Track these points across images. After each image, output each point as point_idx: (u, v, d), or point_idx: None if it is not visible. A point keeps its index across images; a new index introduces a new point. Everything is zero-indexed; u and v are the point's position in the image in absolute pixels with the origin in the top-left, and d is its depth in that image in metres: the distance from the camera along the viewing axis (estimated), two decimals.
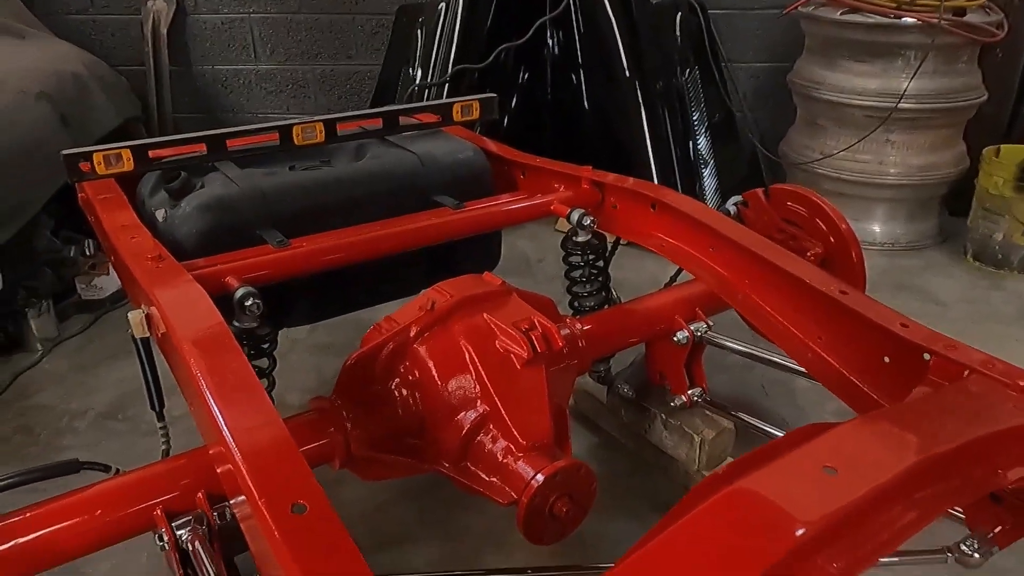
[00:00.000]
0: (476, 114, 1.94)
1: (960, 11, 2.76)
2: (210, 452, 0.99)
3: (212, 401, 0.93)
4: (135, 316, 1.21)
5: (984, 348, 1.10)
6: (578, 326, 1.51)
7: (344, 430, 1.28)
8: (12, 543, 1.06)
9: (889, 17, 2.77)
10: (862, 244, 1.76)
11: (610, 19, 3.08)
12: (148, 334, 1.22)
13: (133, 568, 1.57)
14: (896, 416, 0.98)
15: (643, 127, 3.09)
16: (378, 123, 1.84)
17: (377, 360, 1.31)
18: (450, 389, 1.27)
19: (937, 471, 0.85)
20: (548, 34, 3.37)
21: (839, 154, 3.02)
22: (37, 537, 1.08)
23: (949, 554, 1.12)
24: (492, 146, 1.94)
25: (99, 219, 1.55)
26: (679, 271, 1.80)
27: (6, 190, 2.34)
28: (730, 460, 1.77)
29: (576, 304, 1.77)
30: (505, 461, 1.22)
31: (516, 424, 1.23)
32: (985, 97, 2.98)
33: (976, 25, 2.78)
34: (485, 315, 1.32)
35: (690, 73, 3.23)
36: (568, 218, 1.65)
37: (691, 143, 3.22)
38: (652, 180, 2.98)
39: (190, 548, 1.08)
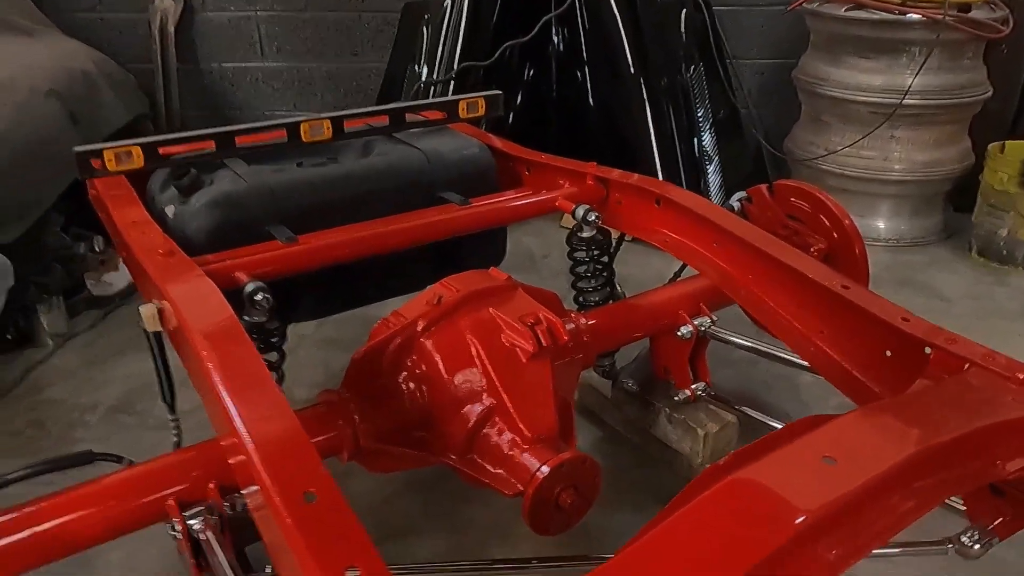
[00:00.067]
0: (482, 111, 1.95)
1: (965, 7, 2.76)
2: (222, 443, 1.01)
3: (224, 393, 0.95)
4: (147, 310, 1.23)
5: (988, 344, 1.11)
6: (583, 321, 1.53)
7: (352, 423, 1.30)
8: (29, 532, 1.08)
9: (894, 13, 2.77)
10: (866, 240, 1.77)
11: (615, 16, 3.09)
12: (160, 328, 1.24)
13: (144, 559, 1.59)
14: (896, 408, 1.00)
15: (648, 124, 3.11)
16: (385, 120, 1.86)
17: (385, 354, 1.32)
18: (457, 382, 1.29)
19: (936, 461, 0.87)
20: (553, 31, 3.38)
21: (843, 150, 3.03)
22: (53, 526, 1.10)
23: (950, 545, 1.13)
24: (497, 143, 1.96)
25: (110, 215, 1.57)
26: (683, 266, 1.81)
27: (17, 187, 2.37)
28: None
29: (581, 299, 1.79)
30: (511, 453, 1.24)
31: (522, 417, 1.25)
32: (990, 93, 2.99)
33: (981, 21, 2.78)
34: (491, 310, 1.34)
35: (695, 69, 3.23)
36: (573, 214, 1.67)
37: (695, 139, 3.23)
38: (656, 177, 2.99)
39: (202, 537, 1.10)
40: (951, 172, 3.04)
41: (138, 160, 1.63)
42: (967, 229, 3.06)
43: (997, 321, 2.56)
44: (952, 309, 2.64)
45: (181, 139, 1.68)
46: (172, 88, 3.75)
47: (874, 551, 1.30)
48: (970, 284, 2.82)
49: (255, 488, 0.86)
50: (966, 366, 1.08)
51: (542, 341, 1.27)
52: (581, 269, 1.77)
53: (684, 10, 3.22)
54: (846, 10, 2.86)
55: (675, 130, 3.14)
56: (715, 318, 1.65)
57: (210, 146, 1.67)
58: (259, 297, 1.28)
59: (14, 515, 1.09)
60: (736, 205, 1.85)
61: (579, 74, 3.40)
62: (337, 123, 1.76)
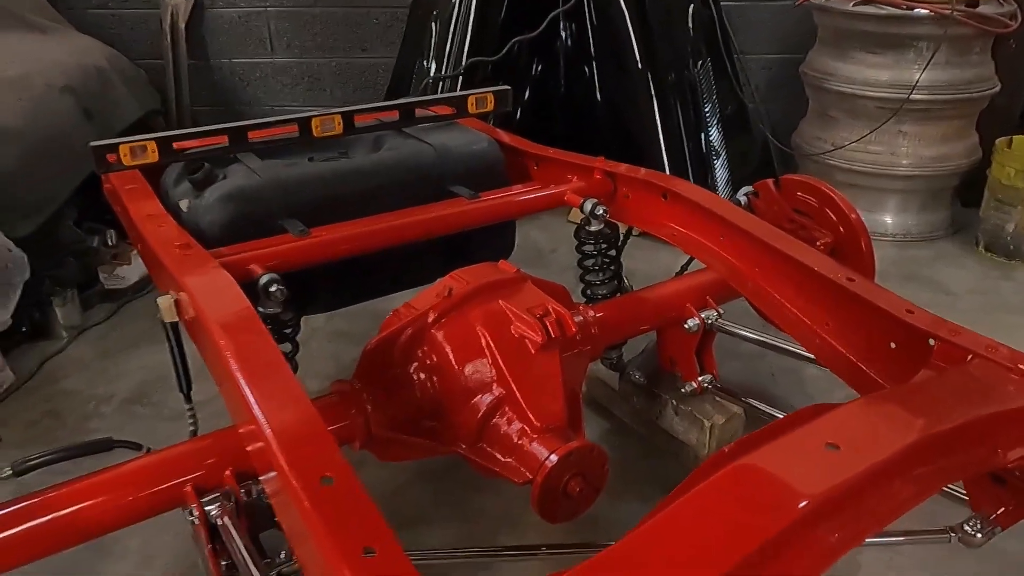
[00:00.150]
0: (491, 106, 1.97)
1: (973, 2, 2.77)
2: (240, 431, 1.03)
3: (243, 381, 0.97)
4: (164, 301, 1.25)
5: (993, 337, 1.12)
6: (591, 313, 1.55)
7: (365, 412, 1.33)
8: (50, 516, 1.11)
9: (901, 8, 2.77)
10: (873, 235, 1.78)
11: (623, 11, 3.10)
12: (177, 318, 1.27)
13: (159, 545, 1.62)
14: (899, 396, 1.02)
15: (655, 119, 3.12)
16: (395, 115, 1.88)
17: (396, 345, 1.35)
18: (467, 373, 1.31)
19: (938, 449, 0.89)
20: (561, 27, 3.40)
21: (851, 145, 3.03)
22: (73, 511, 1.13)
23: (953, 534, 1.15)
24: (506, 138, 1.97)
25: (126, 209, 1.60)
26: (690, 260, 1.83)
27: (34, 182, 2.40)
28: None
29: (589, 292, 1.81)
30: (520, 442, 1.26)
31: (531, 406, 1.27)
32: (998, 88, 2.99)
33: (989, 16, 2.78)
34: (501, 301, 1.36)
35: (702, 65, 3.24)
36: (581, 208, 1.68)
37: (703, 135, 3.24)
38: (664, 172, 3.00)
39: (219, 523, 1.13)
40: (958, 167, 3.05)
41: (153, 155, 1.65)
42: (975, 224, 3.06)
43: (1003, 315, 2.57)
44: (958, 304, 2.65)
45: (195, 134, 1.70)
46: (183, 84, 3.78)
47: (878, 539, 1.33)
48: (976, 279, 2.83)
49: (273, 474, 0.88)
50: (969, 357, 1.10)
51: (551, 332, 1.29)
52: (589, 262, 1.79)
53: (692, 5, 3.23)
54: (854, 5, 2.87)
55: (682, 125, 3.15)
56: (722, 311, 1.67)
57: (223, 141, 1.70)
58: (273, 289, 1.30)
59: (35, 500, 1.12)
60: (743, 199, 1.87)
61: (587, 70, 3.41)
62: (348, 118, 1.78)
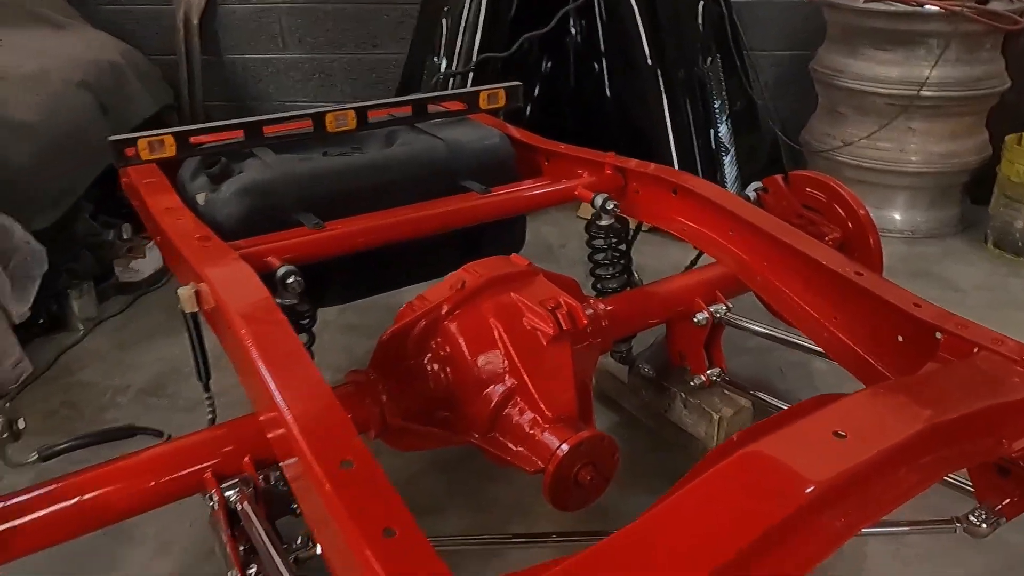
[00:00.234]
0: (502, 102, 1.99)
1: None
2: (261, 418, 1.05)
3: (264, 370, 0.99)
4: (185, 292, 1.28)
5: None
6: (601, 306, 1.57)
7: (380, 402, 1.35)
8: (74, 500, 1.14)
9: (912, 5, 2.78)
10: (882, 232, 1.80)
11: (632, 8, 3.11)
12: (196, 309, 1.30)
13: (178, 531, 1.65)
14: (906, 387, 1.03)
15: (664, 115, 3.13)
16: (407, 111, 1.90)
17: (410, 336, 1.37)
18: (480, 364, 1.34)
19: (942, 437, 0.91)
20: (571, 23, 3.41)
21: (860, 142, 3.04)
22: (96, 496, 1.16)
23: (958, 524, 1.17)
24: (517, 133, 1.99)
25: (144, 202, 1.62)
26: (700, 254, 1.85)
27: (52, 176, 2.43)
28: None
29: (599, 286, 1.83)
30: (532, 432, 1.28)
31: (542, 397, 1.29)
32: (1008, 85, 2.99)
33: (1000, 13, 2.78)
34: (513, 294, 1.38)
35: (712, 61, 3.25)
36: (592, 203, 1.70)
37: (712, 131, 3.25)
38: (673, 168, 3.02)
39: (238, 508, 1.15)
40: (968, 164, 3.05)
41: (170, 149, 1.68)
42: (984, 221, 3.06)
43: (1011, 312, 2.58)
44: (966, 300, 2.65)
45: (211, 129, 1.73)
46: (196, 79, 3.81)
47: (884, 529, 1.34)
48: (985, 275, 2.83)
49: (294, 459, 0.91)
50: (976, 350, 1.12)
51: (562, 324, 1.31)
52: (599, 257, 1.81)
53: (701, 2, 3.24)
54: (864, 2, 2.87)
55: (692, 122, 3.16)
56: (730, 305, 1.68)
57: (239, 136, 1.73)
58: (291, 280, 1.33)
59: (59, 485, 1.15)
60: (752, 195, 1.88)
61: (596, 66, 3.42)
62: (361, 113, 1.80)
